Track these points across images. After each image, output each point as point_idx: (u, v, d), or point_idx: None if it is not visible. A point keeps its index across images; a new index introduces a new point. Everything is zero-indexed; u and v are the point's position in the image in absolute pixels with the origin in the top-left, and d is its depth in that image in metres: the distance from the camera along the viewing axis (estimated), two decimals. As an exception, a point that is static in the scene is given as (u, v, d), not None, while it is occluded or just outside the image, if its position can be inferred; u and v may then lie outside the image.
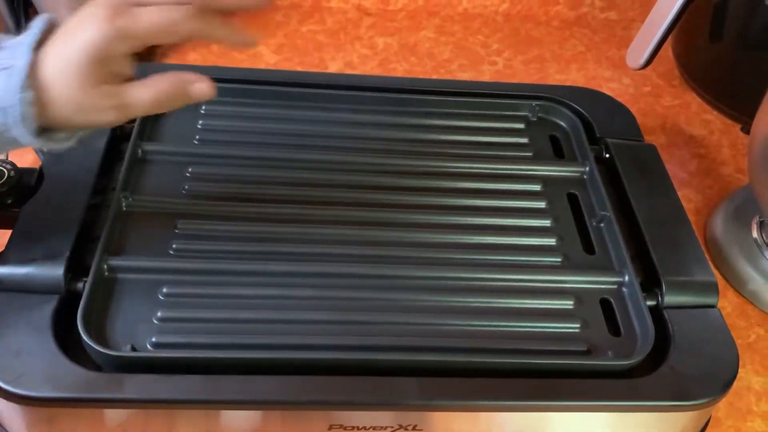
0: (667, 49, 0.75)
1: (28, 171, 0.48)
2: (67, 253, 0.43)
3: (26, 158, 0.57)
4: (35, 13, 0.64)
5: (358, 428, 0.40)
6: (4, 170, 0.47)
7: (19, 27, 0.64)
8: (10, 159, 0.49)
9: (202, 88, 0.37)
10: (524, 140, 0.58)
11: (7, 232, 0.45)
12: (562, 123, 0.60)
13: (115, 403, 0.38)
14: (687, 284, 0.47)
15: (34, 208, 0.46)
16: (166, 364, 0.39)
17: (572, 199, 0.54)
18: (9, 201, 0.46)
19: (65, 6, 0.61)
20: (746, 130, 0.67)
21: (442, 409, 0.40)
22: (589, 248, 0.50)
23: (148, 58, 0.68)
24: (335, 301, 0.45)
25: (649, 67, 0.62)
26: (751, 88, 0.68)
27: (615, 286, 0.48)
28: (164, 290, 0.44)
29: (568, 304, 0.46)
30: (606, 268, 0.49)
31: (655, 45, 0.60)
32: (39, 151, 0.56)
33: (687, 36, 0.72)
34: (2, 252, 0.43)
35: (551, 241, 0.50)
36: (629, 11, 0.81)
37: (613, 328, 0.46)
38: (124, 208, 0.48)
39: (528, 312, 0.46)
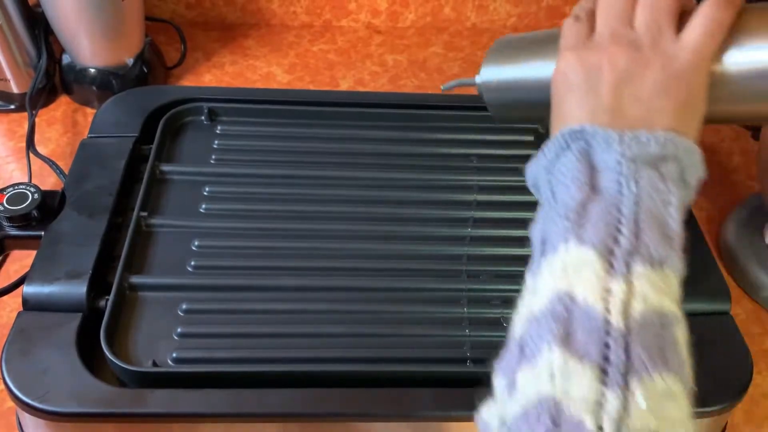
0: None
1: (50, 193, 0.49)
2: (90, 272, 0.44)
3: (49, 181, 0.58)
4: (55, 40, 0.66)
5: (375, 439, 0.41)
6: (28, 193, 0.48)
7: (39, 54, 0.66)
8: (33, 182, 0.51)
9: None
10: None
11: (32, 253, 0.46)
12: (571, 134, 0.60)
13: (139, 417, 0.39)
14: (698, 292, 0.47)
15: (57, 229, 0.47)
16: (187, 379, 0.40)
17: (583, 210, 0.54)
18: (33, 223, 0.48)
19: (84, 34, 0.63)
20: (757, 136, 0.67)
21: (459, 420, 0.41)
22: (600, 258, 0.51)
23: (164, 80, 0.70)
24: (351, 314, 0.46)
25: (657, 77, 0.62)
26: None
27: (627, 295, 0.48)
28: (183, 306, 0.45)
29: (580, 313, 0.47)
30: (618, 277, 0.49)
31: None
32: (60, 174, 0.58)
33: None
34: (27, 272, 0.44)
35: (563, 252, 0.51)
36: (636, 22, 0.82)
37: (626, 337, 0.46)
38: (144, 228, 0.49)
39: (541, 322, 0.46)
